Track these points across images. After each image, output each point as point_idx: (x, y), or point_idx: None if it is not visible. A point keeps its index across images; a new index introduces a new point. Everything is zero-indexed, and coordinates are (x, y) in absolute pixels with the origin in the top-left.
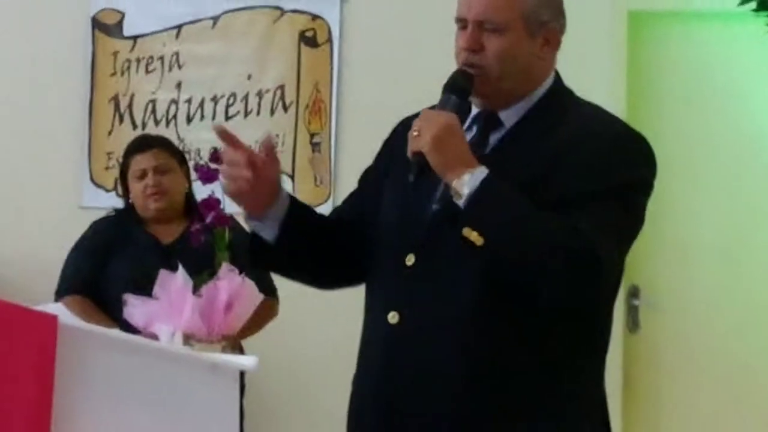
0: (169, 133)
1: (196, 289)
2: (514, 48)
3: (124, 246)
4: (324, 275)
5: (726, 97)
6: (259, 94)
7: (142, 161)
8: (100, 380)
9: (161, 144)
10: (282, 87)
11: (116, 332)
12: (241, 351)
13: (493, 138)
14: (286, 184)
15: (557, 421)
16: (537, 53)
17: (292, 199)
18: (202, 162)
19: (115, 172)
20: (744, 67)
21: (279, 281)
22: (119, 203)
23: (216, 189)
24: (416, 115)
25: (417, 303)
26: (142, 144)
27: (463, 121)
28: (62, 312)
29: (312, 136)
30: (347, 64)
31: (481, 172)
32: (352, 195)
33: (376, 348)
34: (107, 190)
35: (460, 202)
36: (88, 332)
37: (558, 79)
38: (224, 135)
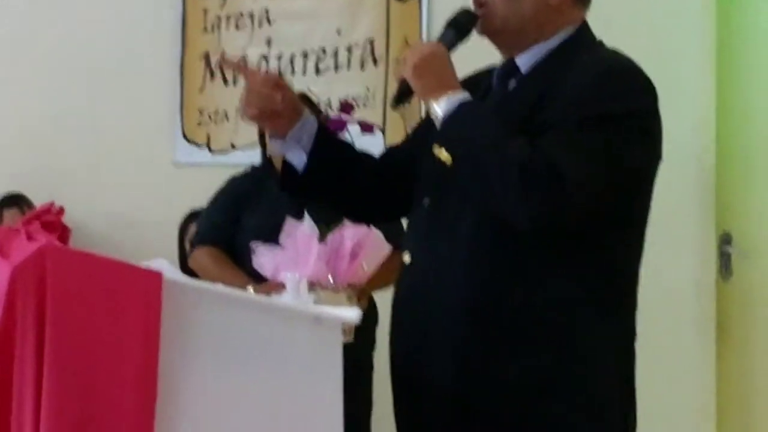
0: None
1: (322, 238)
2: None
3: (258, 198)
4: (357, 208)
5: None
6: (349, 49)
7: None
8: (204, 335)
9: (301, 98)
10: (372, 41)
11: (220, 287)
12: (372, 304)
13: (511, 84)
14: (378, 137)
15: (560, 356)
16: (547, 1)
17: (321, 127)
18: (331, 113)
19: (207, 129)
20: None
21: None
22: (212, 159)
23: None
24: (483, 71)
25: (425, 243)
26: None
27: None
28: (166, 268)
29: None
30: (436, 16)
31: (460, 96)
32: (406, 136)
33: (396, 287)
34: (200, 146)
35: (437, 124)
36: (192, 288)
37: (583, 30)
38: (234, 65)
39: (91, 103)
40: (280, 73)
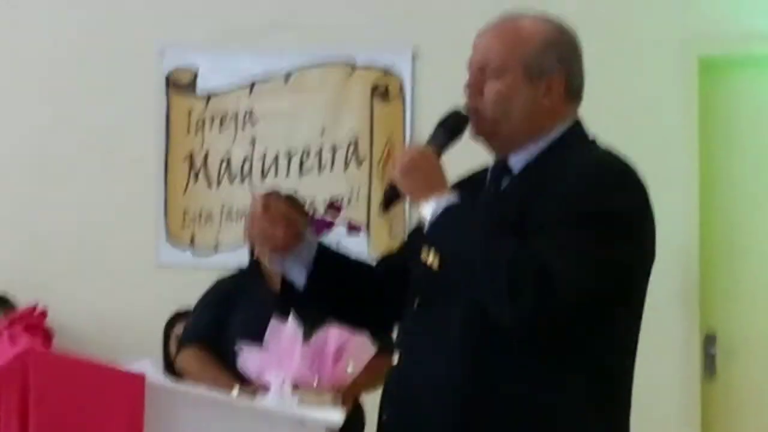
0: (243, 189)
1: (307, 339)
2: (510, 92)
3: (245, 299)
4: (354, 316)
5: None
6: (333, 149)
7: None
8: None
9: (287, 198)
10: (355, 141)
11: (203, 390)
12: (358, 406)
13: (503, 183)
14: (361, 237)
15: None
16: (538, 100)
17: (321, 248)
18: (318, 214)
19: (191, 230)
20: None
21: None
22: (195, 261)
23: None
24: (477, 171)
25: (414, 342)
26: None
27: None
28: (149, 369)
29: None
30: (420, 117)
31: (447, 198)
32: (402, 242)
33: (385, 386)
34: (183, 248)
35: (425, 227)
36: (175, 391)
37: (576, 127)
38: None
39: (75, 205)
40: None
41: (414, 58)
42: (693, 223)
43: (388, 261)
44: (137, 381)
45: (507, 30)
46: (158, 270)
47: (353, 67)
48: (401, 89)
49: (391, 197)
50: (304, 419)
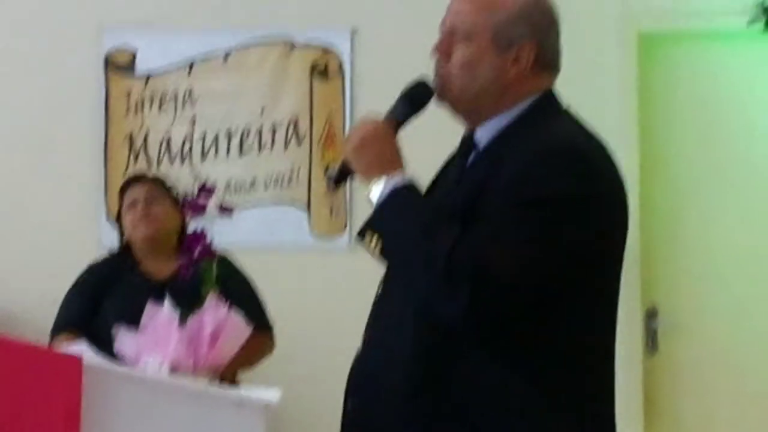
0: (184, 169)
1: (182, 322)
2: (477, 59)
3: (117, 285)
4: None
5: (738, 117)
6: (273, 128)
7: (132, 193)
8: (126, 419)
9: (153, 179)
10: (295, 120)
11: (140, 372)
12: (236, 384)
13: (471, 159)
14: (302, 217)
15: None
16: (504, 69)
17: None
18: (190, 196)
19: None
20: (755, 86)
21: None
22: None
23: (204, 224)
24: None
25: (375, 330)
26: (134, 178)
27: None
28: (87, 351)
29: (327, 167)
30: (359, 95)
31: (396, 180)
32: None
33: (350, 371)
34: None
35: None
36: (113, 372)
37: (544, 100)
38: None
39: (16, 186)
40: None
41: (353, 36)
42: (633, 196)
43: None
44: (74, 362)
45: None
46: (100, 250)
47: (292, 46)
48: (340, 67)
49: (342, 174)
50: (242, 400)
